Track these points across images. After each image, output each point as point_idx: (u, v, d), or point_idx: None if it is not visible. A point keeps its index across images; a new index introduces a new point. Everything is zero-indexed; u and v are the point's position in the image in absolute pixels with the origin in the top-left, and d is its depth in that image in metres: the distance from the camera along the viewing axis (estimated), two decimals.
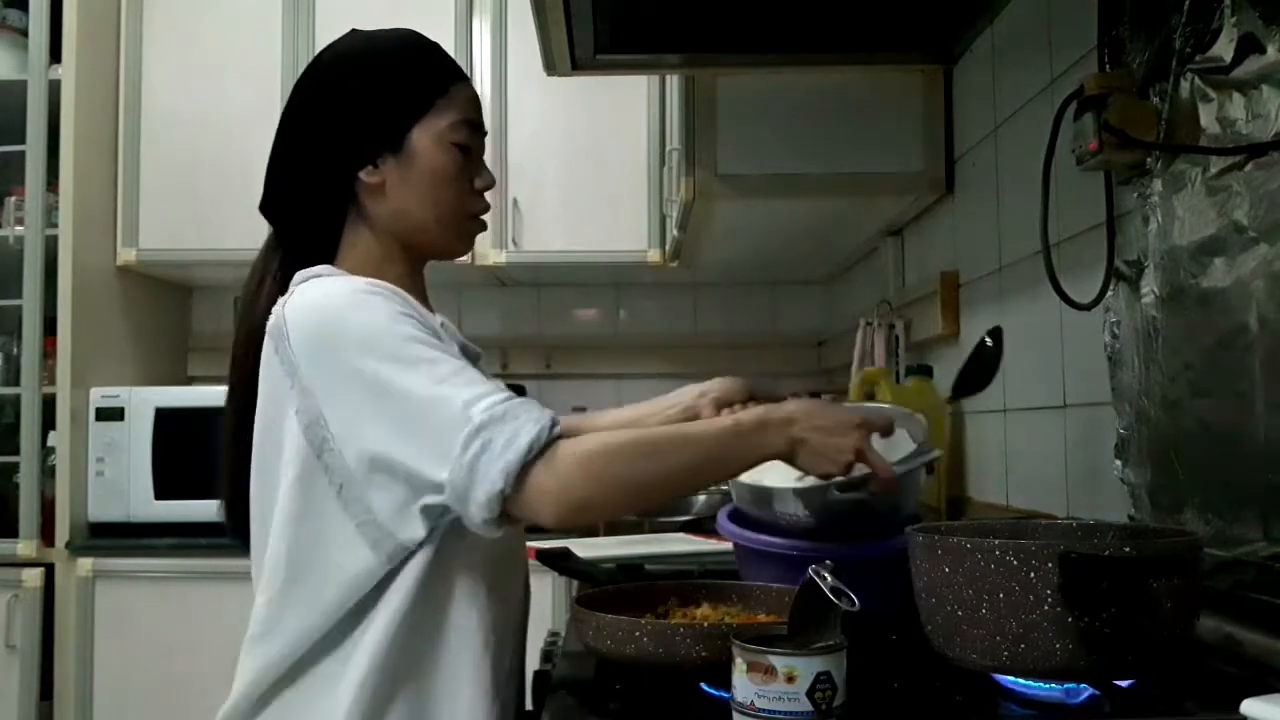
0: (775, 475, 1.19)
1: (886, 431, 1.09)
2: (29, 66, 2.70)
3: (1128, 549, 0.84)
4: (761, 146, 2.03)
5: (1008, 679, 0.88)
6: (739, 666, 0.77)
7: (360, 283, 1.01)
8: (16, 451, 2.65)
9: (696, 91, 2.03)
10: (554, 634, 1.35)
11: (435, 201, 1.10)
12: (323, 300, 1.00)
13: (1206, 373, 1.14)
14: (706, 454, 0.98)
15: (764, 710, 0.75)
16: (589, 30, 1.67)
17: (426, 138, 1.09)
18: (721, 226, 2.41)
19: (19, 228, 2.70)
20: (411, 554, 0.98)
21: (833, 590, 0.80)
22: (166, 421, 2.72)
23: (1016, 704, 0.87)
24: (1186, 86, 1.15)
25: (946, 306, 1.97)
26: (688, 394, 1.34)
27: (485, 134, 1.16)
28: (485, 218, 1.17)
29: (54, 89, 2.69)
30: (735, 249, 2.77)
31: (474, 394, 0.93)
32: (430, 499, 0.93)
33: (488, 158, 1.17)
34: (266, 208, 1.14)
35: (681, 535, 2.03)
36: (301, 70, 1.14)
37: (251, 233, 1.20)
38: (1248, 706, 0.68)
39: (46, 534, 2.66)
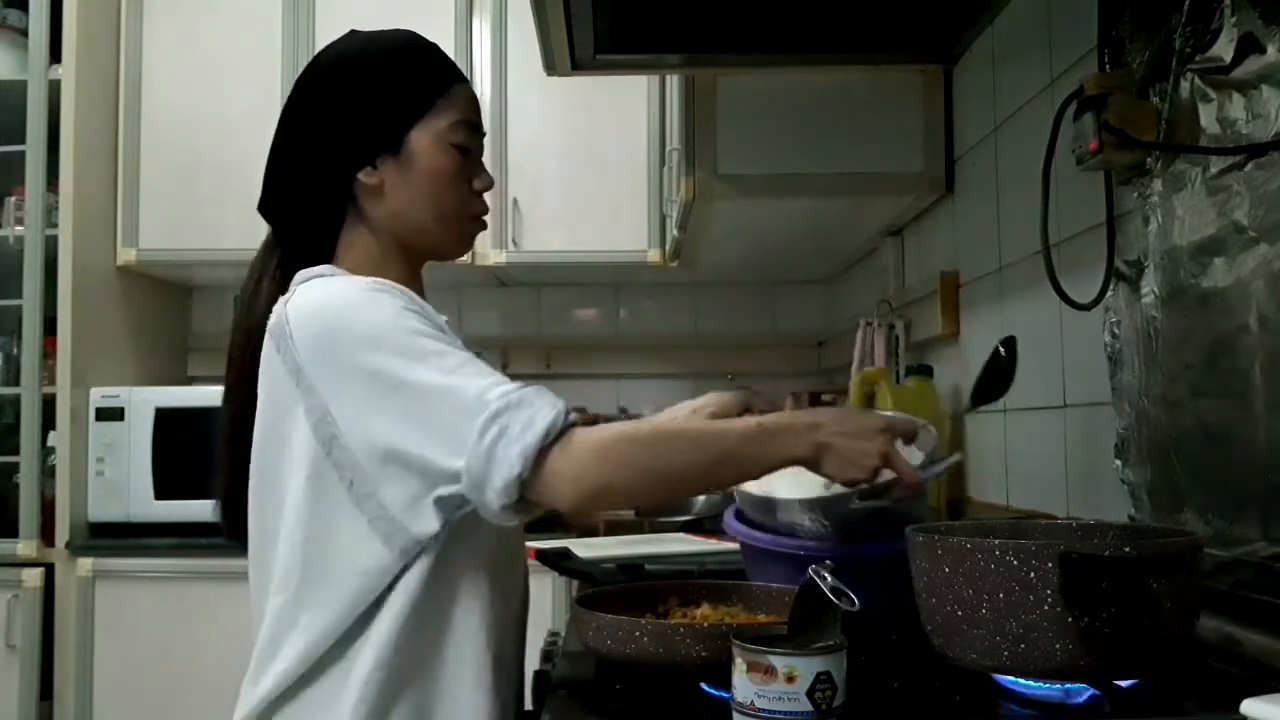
0: (785, 485, 1.18)
1: (910, 437, 1.08)
2: (29, 66, 2.70)
3: (1128, 549, 0.84)
4: (761, 146, 2.03)
5: (1008, 679, 0.88)
6: (739, 666, 0.77)
7: (363, 281, 1.02)
8: (16, 451, 2.65)
9: (696, 91, 2.03)
10: (554, 634, 1.35)
11: (434, 202, 1.10)
12: (326, 299, 1.00)
13: (1206, 373, 1.14)
14: (728, 451, 0.97)
15: (764, 710, 0.75)
16: (589, 30, 1.67)
17: (425, 138, 1.09)
18: (721, 226, 2.41)
19: (19, 228, 2.70)
20: (416, 555, 0.98)
21: (833, 590, 0.80)
22: (166, 421, 2.72)
23: (1016, 704, 0.87)
24: (1186, 86, 1.15)
25: (946, 306, 1.97)
26: (681, 410, 1.33)
27: (484, 135, 1.16)
28: (485, 218, 1.17)
29: (54, 89, 2.69)
30: (735, 249, 2.77)
31: (488, 382, 0.93)
32: (445, 490, 0.93)
33: (487, 158, 1.17)
34: (265, 208, 1.14)
35: (681, 535, 2.03)
36: (301, 71, 1.13)
37: (251, 233, 1.20)
38: (1248, 706, 0.68)
39: (46, 534, 2.66)
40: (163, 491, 2.70)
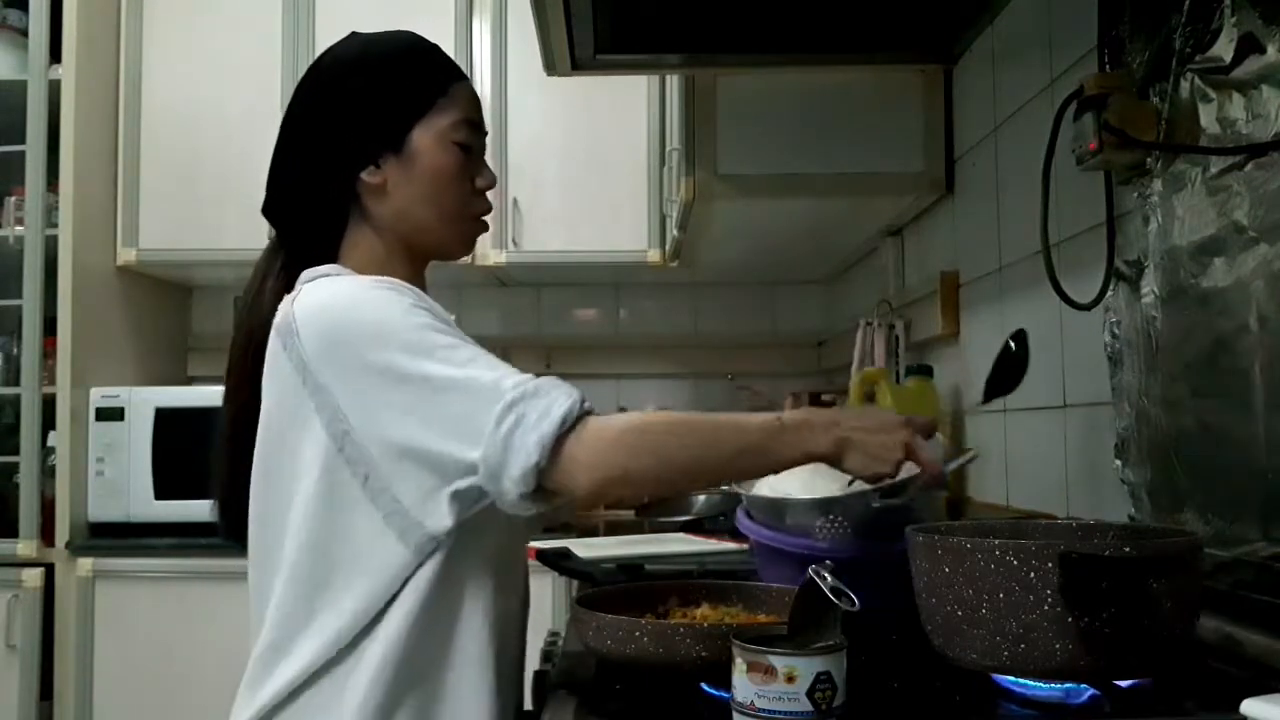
0: (796, 485, 1.18)
1: (930, 432, 1.07)
2: (29, 66, 2.70)
3: (1128, 549, 0.84)
4: (761, 146, 2.03)
5: (1008, 679, 0.88)
6: (739, 666, 0.77)
7: (370, 279, 1.02)
8: (16, 451, 2.65)
9: (696, 91, 2.03)
10: (554, 634, 1.35)
11: (437, 201, 1.10)
12: (333, 296, 1.00)
13: (1206, 373, 1.14)
14: (747, 443, 0.97)
15: (764, 710, 0.75)
16: (589, 30, 1.67)
17: (428, 137, 1.09)
18: (721, 226, 2.41)
19: (19, 228, 2.70)
20: (430, 552, 0.97)
21: (833, 590, 0.80)
22: (166, 421, 2.72)
23: (1016, 704, 0.87)
24: (1186, 86, 1.15)
25: (946, 306, 1.97)
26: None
27: (486, 134, 1.16)
28: (487, 219, 1.17)
29: (54, 89, 2.69)
30: (735, 249, 2.77)
31: (501, 373, 0.93)
32: (461, 483, 0.93)
33: (488, 158, 1.17)
34: (269, 210, 1.14)
35: (681, 535, 2.03)
36: (302, 71, 1.14)
37: (251, 233, 1.20)
38: (1248, 706, 0.68)
39: (46, 534, 2.66)
40: (163, 491, 2.70)
